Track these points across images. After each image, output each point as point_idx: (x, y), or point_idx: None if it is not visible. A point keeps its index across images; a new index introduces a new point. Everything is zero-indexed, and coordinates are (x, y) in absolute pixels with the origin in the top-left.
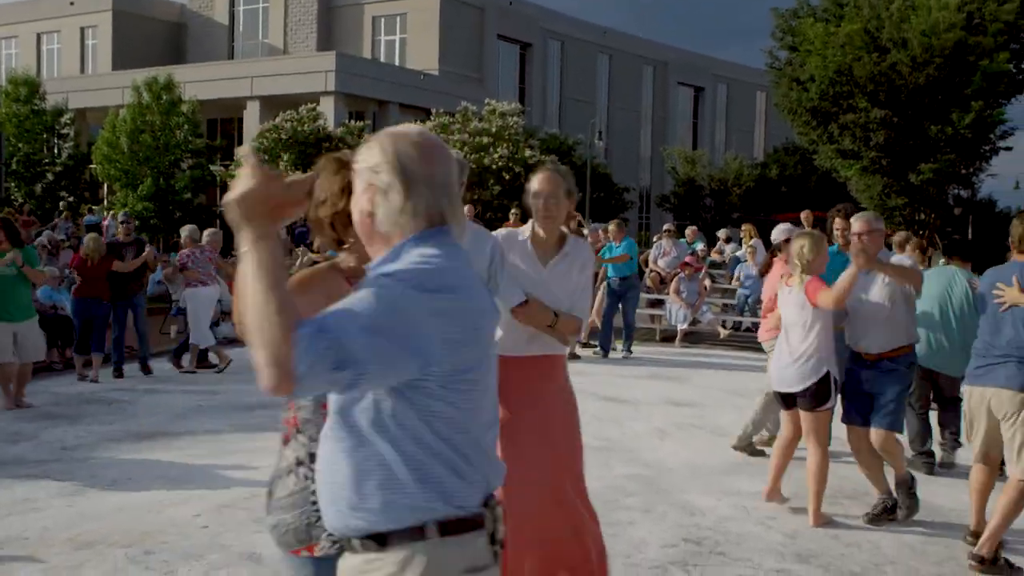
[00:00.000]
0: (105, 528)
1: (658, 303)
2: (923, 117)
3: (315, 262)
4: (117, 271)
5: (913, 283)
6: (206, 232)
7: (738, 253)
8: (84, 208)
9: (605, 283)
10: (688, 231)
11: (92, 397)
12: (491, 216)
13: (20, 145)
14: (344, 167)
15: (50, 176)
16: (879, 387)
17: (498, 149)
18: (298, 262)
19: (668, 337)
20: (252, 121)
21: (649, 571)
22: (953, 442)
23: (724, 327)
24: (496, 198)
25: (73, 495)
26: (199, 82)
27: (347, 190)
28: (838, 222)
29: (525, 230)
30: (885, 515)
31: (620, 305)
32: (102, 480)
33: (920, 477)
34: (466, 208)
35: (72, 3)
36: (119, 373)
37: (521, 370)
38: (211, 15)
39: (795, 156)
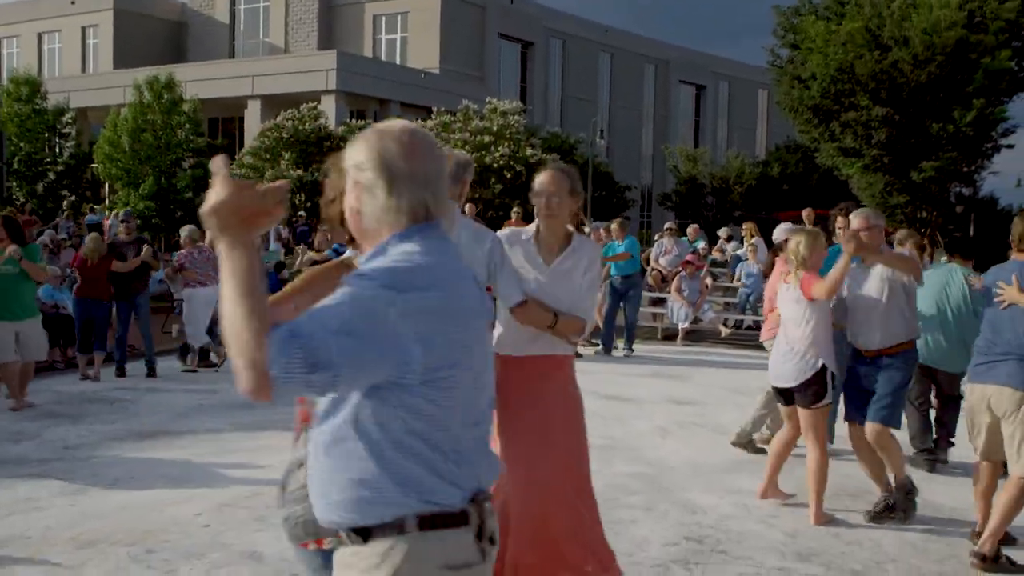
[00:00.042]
0: (107, 527)
1: (660, 302)
2: (925, 115)
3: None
4: (116, 271)
5: (909, 271)
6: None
7: (739, 252)
8: (86, 207)
9: (607, 282)
10: (689, 229)
11: (94, 396)
12: (493, 215)
13: (22, 144)
14: None
15: (52, 175)
16: (876, 382)
17: (499, 148)
18: (299, 260)
19: (670, 335)
20: (253, 120)
21: (651, 569)
22: (946, 443)
23: (725, 325)
24: (497, 197)
25: (75, 494)
26: (200, 81)
27: None
28: (840, 221)
29: (530, 229)
30: (887, 513)
31: (622, 303)
32: (104, 479)
33: (921, 475)
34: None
35: (73, 2)
36: (121, 372)
37: (522, 370)
38: (212, 14)
39: (797, 154)
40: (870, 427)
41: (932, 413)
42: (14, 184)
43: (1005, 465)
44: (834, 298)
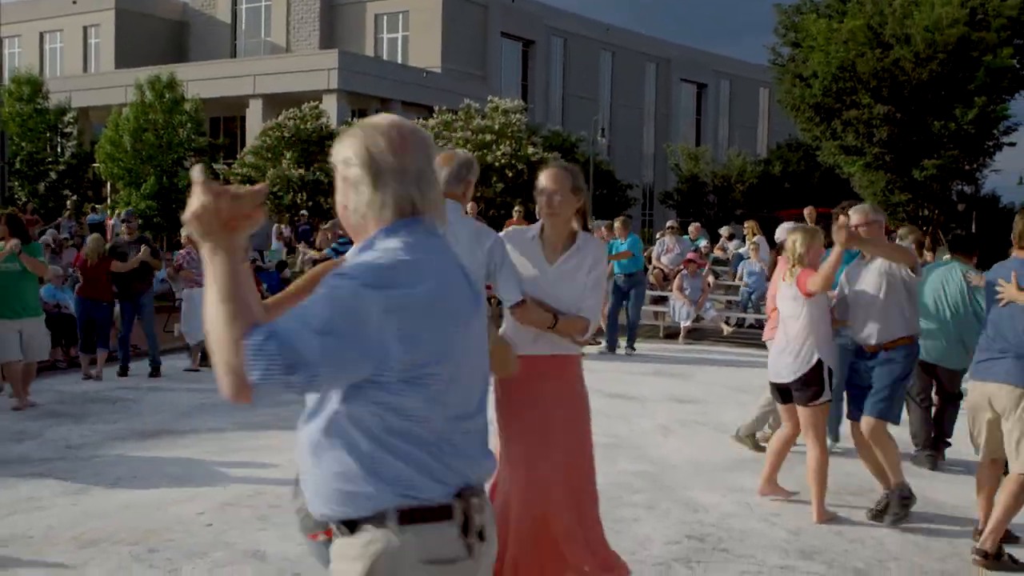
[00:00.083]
0: (110, 526)
1: (661, 300)
2: (926, 113)
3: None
4: (115, 271)
5: (904, 261)
6: None
7: (741, 250)
8: (87, 207)
9: (611, 280)
10: (691, 228)
11: (96, 396)
12: (494, 213)
13: (23, 144)
14: None
15: (53, 175)
16: (874, 376)
17: (501, 146)
18: (299, 259)
19: (672, 334)
20: (255, 119)
21: (653, 568)
22: (943, 443)
23: (727, 324)
24: (499, 195)
25: (77, 493)
26: (202, 80)
27: None
28: (842, 220)
29: (535, 228)
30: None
31: (624, 302)
32: (106, 478)
33: (923, 473)
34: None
35: (75, 2)
36: (124, 372)
37: (522, 369)
38: (213, 13)
39: (798, 152)
40: (865, 420)
41: (934, 411)
42: (16, 184)
43: (1007, 464)
44: (833, 296)
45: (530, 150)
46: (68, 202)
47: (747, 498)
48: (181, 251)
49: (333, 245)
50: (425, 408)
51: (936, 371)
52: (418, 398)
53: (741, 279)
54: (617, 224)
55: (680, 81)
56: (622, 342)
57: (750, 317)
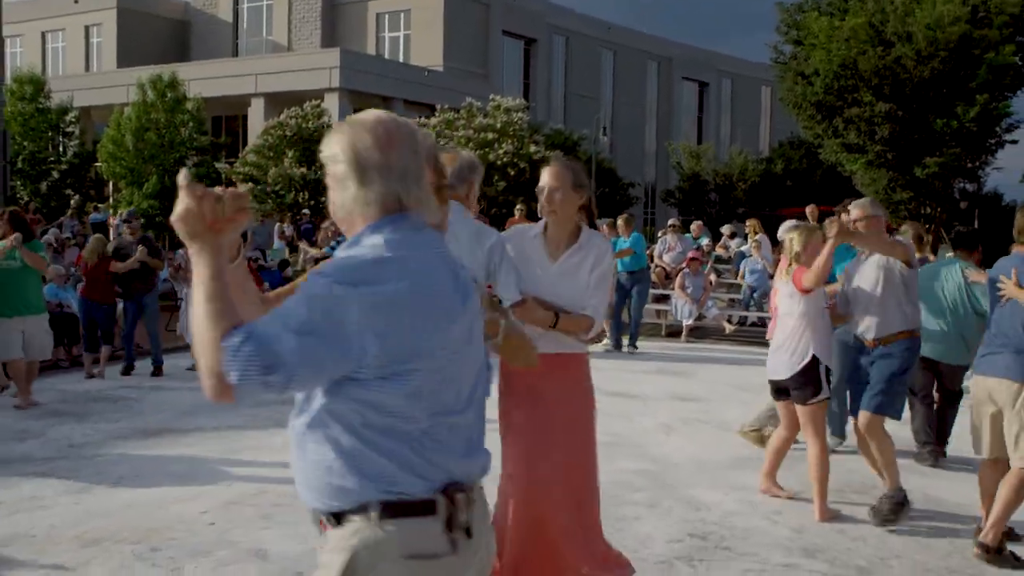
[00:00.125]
0: (112, 525)
1: (663, 298)
2: (928, 111)
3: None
4: (115, 272)
5: (897, 255)
6: None
7: (743, 248)
8: (90, 206)
9: (615, 278)
10: (693, 226)
11: (99, 395)
12: (496, 212)
13: (25, 143)
14: None
15: (55, 174)
16: (872, 371)
17: (503, 145)
18: (301, 258)
19: (674, 332)
20: (256, 118)
21: (655, 566)
22: (942, 441)
23: (729, 322)
24: (501, 194)
25: (80, 492)
26: (203, 79)
27: None
28: (844, 218)
29: (538, 225)
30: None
31: (627, 300)
32: (109, 477)
33: (925, 470)
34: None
35: (77, 1)
36: (127, 371)
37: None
38: (215, 12)
39: (800, 150)
40: (862, 415)
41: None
42: (18, 183)
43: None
44: (831, 291)
45: (532, 149)
46: (71, 201)
47: (749, 496)
48: (181, 251)
49: (331, 243)
50: (405, 404)
51: (938, 367)
52: (397, 395)
53: (743, 277)
54: (620, 222)
55: (682, 79)
56: (624, 340)
57: (752, 315)
